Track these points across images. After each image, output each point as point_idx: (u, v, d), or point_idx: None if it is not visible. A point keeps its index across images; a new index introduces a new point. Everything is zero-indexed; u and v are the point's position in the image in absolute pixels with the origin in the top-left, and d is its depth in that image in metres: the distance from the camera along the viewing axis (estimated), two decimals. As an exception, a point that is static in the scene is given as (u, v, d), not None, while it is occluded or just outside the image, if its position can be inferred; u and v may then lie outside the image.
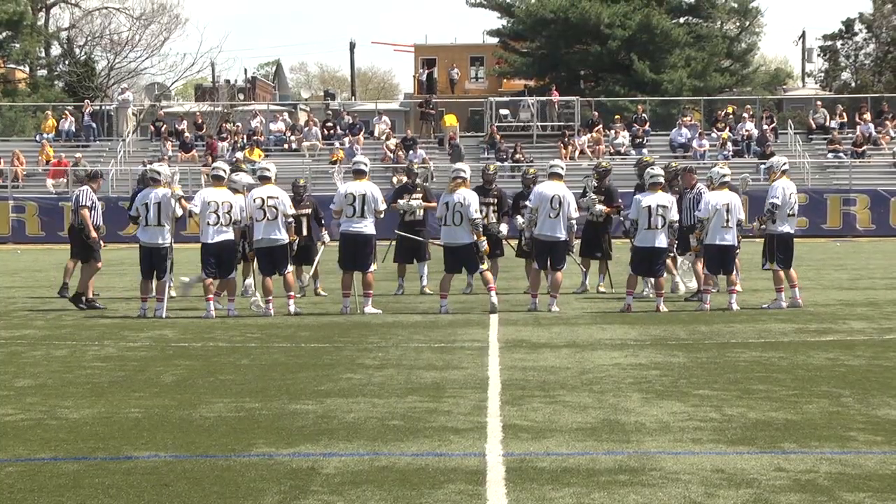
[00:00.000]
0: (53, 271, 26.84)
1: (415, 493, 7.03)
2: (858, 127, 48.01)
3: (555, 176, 17.58)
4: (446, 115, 50.80)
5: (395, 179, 44.42)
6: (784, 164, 17.53)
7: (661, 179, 17.10)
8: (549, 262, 17.24)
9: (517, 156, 46.25)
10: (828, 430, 8.61)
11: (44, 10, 70.31)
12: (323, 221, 19.46)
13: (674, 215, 16.92)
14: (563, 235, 17.24)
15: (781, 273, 16.99)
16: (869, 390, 10.28)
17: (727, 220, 16.87)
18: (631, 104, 53.02)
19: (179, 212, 16.86)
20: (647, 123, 49.91)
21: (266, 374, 11.56)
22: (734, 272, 17.18)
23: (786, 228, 17.02)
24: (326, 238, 19.07)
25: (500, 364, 11.97)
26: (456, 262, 17.01)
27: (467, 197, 16.76)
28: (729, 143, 47.04)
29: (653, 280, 17.65)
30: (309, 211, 19.16)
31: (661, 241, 16.88)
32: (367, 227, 16.81)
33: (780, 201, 16.84)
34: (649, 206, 16.76)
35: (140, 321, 16.38)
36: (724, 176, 17.29)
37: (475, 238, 16.70)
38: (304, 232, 18.77)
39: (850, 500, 6.78)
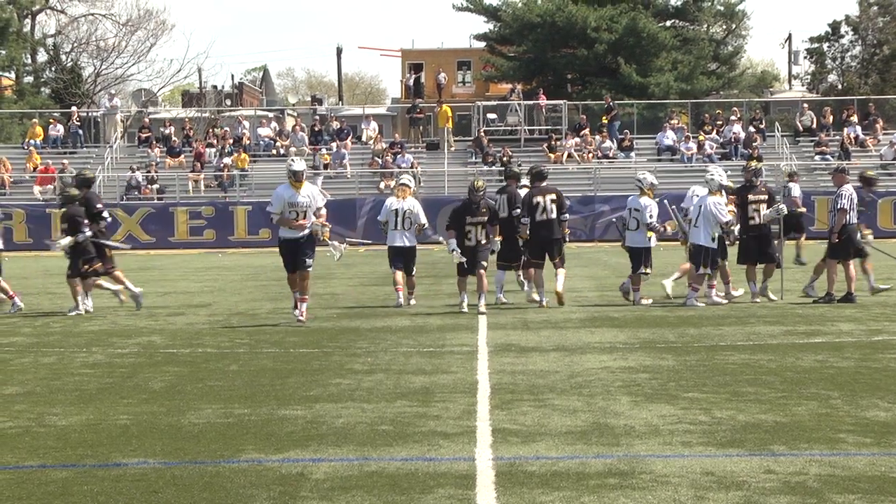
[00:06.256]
0: (41, 278, 26.78)
1: (404, 497, 7.02)
2: (845, 129, 48.13)
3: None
4: (445, 107, 50.62)
5: (382, 185, 44.45)
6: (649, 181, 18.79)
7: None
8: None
9: (505, 159, 46.27)
10: (817, 432, 8.61)
11: (30, 16, 70.23)
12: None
13: (645, 217, 18.17)
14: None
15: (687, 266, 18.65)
16: (858, 392, 10.29)
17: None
18: (618, 107, 53.09)
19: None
20: (613, 113, 49.73)
21: (255, 379, 11.54)
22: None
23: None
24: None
25: (489, 368, 11.96)
26: (398, 261, 18.81)
27: (413, 205, 18.89)
28: (706, 145, 47.04)
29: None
30: None
31: (638, 240, 18.32)
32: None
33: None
34: (630, 209, 18.35)
35: (128, 328, 16.36)
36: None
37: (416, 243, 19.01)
38: None
39: (839, 502, 6.78)
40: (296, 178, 16.26)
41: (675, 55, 61.41)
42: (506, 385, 10.89)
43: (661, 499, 6.89)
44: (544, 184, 18.59)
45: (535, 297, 18.42)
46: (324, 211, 16.47)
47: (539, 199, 18.20)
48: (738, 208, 18.38)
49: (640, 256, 18.23)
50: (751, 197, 18.56)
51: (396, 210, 18.87)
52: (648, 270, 18.33)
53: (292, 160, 17.01)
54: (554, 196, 18.32)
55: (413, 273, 19.12)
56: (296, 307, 16.36)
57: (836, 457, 7.86)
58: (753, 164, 19.72)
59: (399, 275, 18.79)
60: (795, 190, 26.28)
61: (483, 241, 17.71)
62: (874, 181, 20.57)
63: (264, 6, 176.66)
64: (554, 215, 18.19)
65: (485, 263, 17.73)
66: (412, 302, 18.75)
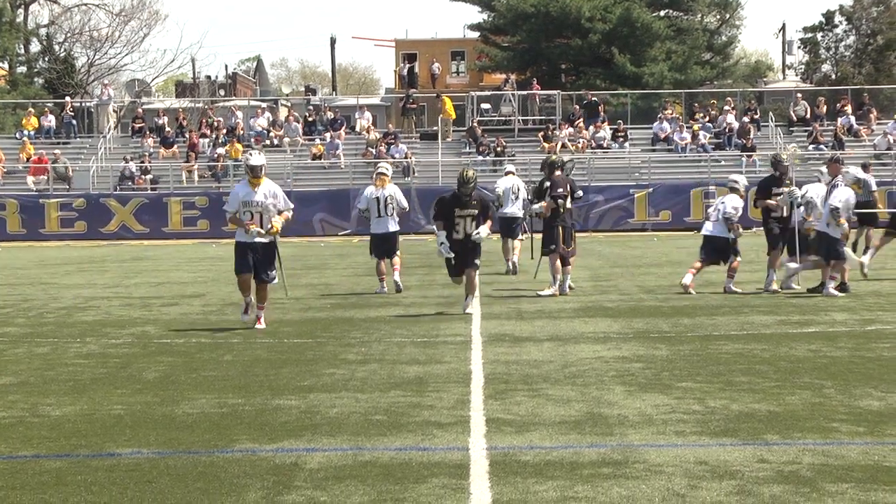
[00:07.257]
0: (35, 269, 26.76)
1: (398, 487, 7.02)
2: (839, 119, 48.16)
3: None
4: (446, 98, 50.46)
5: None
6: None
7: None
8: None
9: (499, 149, 46.25)
10: (810, 422, 8.63)
11: (23, 6, 70.02)
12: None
13: (728, 209, 18.21)
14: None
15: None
16: (851, 381, 10.30)
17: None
18: (612, 97, 53.11)
19: None
20: (603, 107, 49.73)
21: (249, 369, 11.54)
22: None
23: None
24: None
25: (482, 358, 11.96)
26: (382, 249, 19.25)
27: (395, 192, 19.42)
28: (700, 135, 47.04)
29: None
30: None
31: (713, 230, 18.44)
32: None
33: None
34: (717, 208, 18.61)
35: (122, 319, 16.35)
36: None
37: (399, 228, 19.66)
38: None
39: (832, 491, 6.79)
40: (252, 174, 14.59)
41: (669, 45, 61.40)
42: (500, 375, 10.89)
43: (654, 488, 6.90)
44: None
45: (557, 287, 18.34)
46: (287, 215, 14.87)
47: (567, 186, 18.56)
48: (764, 199, 18.48)
49: (727, 248, 18.37)
50: (774, 189, 18.58)
51: (377, 198, 19.29)
52: (739, 258, 18.49)
53: (249, 154, 15.08)
54: (569, 188, 18.64)
55: (397, 253, 19.44)
56: (245, 312, 14.85)
57: (829, 446, 7.87)
58: (786, 154, 19.60)
59: (382, 264, 19.27)
60: (871, 181, 25.09)
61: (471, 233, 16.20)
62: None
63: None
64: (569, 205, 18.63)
65: (477, 262, 16.36)
66: (397, 278, 19.13)
